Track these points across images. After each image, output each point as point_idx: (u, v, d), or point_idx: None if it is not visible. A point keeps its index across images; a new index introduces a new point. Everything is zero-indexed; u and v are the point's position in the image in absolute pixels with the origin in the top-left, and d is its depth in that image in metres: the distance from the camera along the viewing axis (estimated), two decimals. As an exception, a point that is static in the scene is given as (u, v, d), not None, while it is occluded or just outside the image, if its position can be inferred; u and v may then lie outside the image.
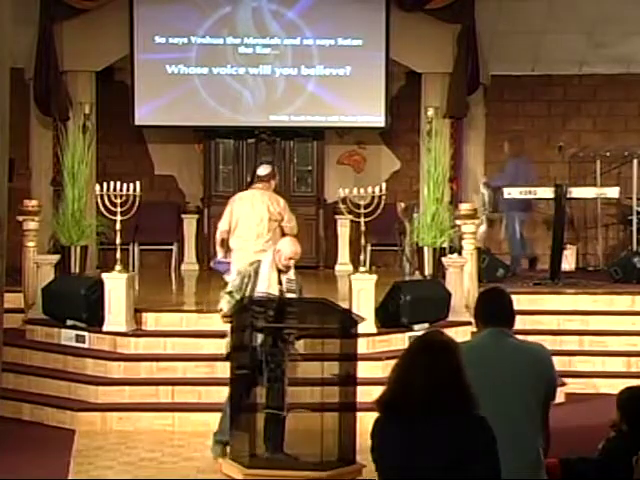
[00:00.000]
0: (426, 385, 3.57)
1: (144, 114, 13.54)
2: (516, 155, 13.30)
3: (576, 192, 12.30)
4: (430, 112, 12.83)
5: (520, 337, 5.02)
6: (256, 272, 8.06)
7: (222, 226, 10.07)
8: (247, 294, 7.96)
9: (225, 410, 8.06)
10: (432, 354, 3.66)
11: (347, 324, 7.57)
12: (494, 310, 4.93)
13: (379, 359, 9.35)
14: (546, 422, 4.82)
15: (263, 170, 10.23)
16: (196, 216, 14.20)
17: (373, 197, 10.18)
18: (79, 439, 8.78)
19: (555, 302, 11.34)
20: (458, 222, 11.13)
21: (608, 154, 13.68)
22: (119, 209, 10.03)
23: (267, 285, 7.98)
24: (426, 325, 9.79)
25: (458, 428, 3.57)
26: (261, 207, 9.89)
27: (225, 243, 9.99)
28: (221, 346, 9.69)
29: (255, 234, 9.83)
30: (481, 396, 4.29)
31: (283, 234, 9.86)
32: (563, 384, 10.16)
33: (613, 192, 12.70)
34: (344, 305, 8.82)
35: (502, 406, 4.60)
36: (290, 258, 8.06)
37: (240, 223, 9.92)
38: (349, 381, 7.53)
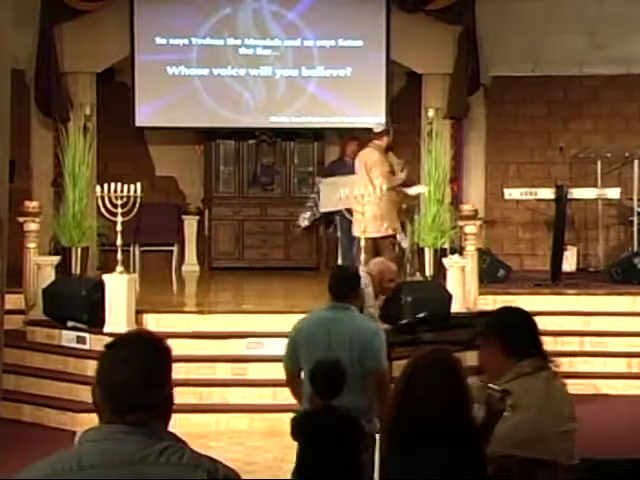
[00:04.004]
0: (426, 406, 3.47)
1: (145, 115, 13.54)
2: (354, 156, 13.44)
3: (577, 193, 12.31)
4: (431, 113, 12.81)
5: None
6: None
7: None
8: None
9: None
10: (434, 372, 3.58)
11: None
12: (335, 286, 5.52)
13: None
14: (382, 396, 5.27)
15: (376, 127, 11.40)
16: (197, 217, 14.19)
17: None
18: (80, 440, 8.76)
19: (556, 303, 11.32)
20: (460, 223, 11.13)
21: (609, 155, 13.67)
22: (120, 210, 10.02)
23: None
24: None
25: (457, 461, 3.46)
26: (361, 163, 11.16)
27: None
28: (221, 347, 9.69)
29: (359, 188, 10.48)
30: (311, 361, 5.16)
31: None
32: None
33: (614, 193, 12.70)
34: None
35: None
36: (392, 280, 7.91)
37: (355, 178, 11.07)
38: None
